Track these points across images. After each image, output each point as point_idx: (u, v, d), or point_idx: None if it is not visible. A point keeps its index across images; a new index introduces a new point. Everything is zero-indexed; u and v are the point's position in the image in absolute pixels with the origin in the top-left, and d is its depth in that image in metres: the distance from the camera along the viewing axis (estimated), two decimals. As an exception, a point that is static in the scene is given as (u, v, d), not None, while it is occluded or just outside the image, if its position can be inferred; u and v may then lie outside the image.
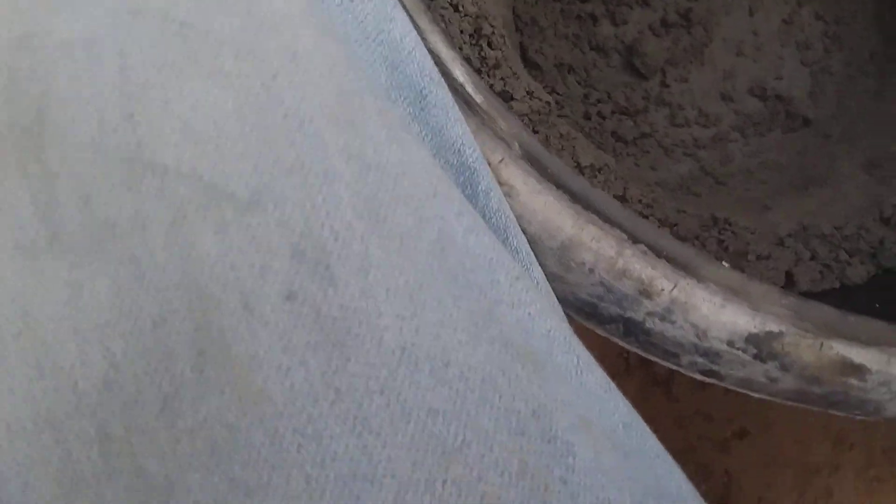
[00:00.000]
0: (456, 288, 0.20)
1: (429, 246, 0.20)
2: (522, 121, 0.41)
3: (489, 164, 0.27)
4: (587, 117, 0.58)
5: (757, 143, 0.58)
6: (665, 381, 0.64)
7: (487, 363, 0.20)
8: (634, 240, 0.25)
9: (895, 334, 0.25)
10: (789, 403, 0.27)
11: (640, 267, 0.25)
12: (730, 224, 0.42)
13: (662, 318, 0.26)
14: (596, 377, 0.22)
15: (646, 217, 0.42)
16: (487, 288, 0.21)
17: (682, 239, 0.43)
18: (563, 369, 0.21)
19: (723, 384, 0.27)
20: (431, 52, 0.27)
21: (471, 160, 0.25)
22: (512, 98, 0.41)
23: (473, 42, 0.40)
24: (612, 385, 0.23)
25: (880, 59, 0.55)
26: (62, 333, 0.17)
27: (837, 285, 0.42)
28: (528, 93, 0.42)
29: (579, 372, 0.22)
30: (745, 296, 0.25)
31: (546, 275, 0.27)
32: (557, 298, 0.28)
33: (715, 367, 0.26)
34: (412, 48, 0.24)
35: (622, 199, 0.42)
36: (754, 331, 0.25)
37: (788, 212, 0.45)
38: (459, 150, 0.25)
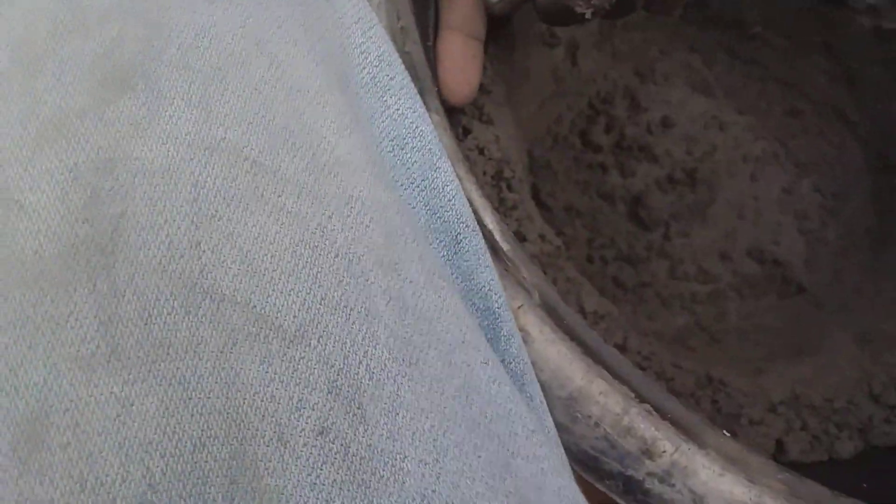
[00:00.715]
0: (477, 436, 0.21)
1: (455, 392, 0.21)
2: (532, 262, 0.43)
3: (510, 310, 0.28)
4: (590, 261, 0.60)
5: (752, 305, 0.60)
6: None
7: None
8: (641, 399, 0.26)
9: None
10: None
11: (645, 427, 0.26)
12: (724, 385, 0.43)
13: (662, 480, 0.26)
14: None
15: (643, 369, 0.43)
16: (506, 439, 0.21)
17: (678, 395, 0.44)
18: None
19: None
20: (466, 198, 0.28)
21: (496, 306, 0.26)
22: (525, 239, 0.43)
23: (494, 184, 0.42)
24: None
25: (875, 236, 0.58)
26: (108, 448, 0.17)
27: (826, 458, 0.43)
28: (540, 236, 0.43)
29: None
30: (744, 466, 0.26)
31: (553, 423, 0.28)
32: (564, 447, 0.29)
33: (710, 534, 0.27)
34: (452, 196, 0.26)
35: (622, 348, 0.44)
36: (749, 503, 0.25)
37: (781, 378, 0.47)
38: (486, 295, 0.26)
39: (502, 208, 0.42)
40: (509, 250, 0.28)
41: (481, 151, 0.42)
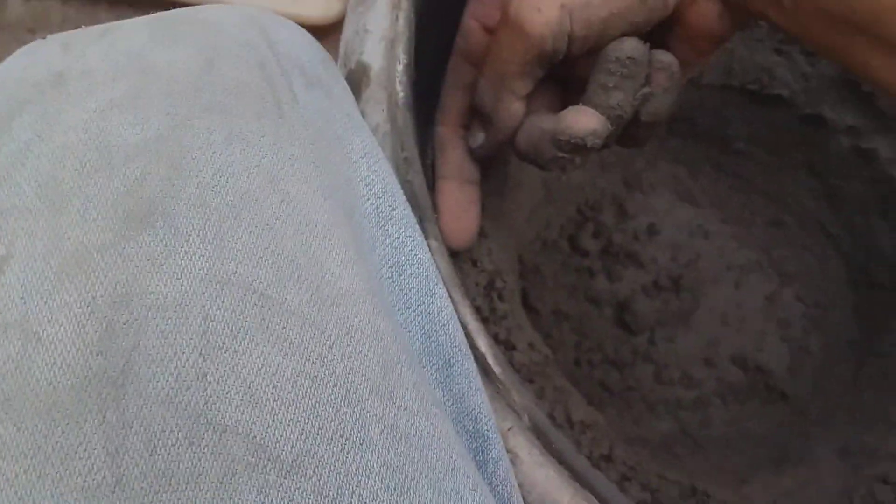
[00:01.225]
0: None
1: None
2: (521, 371, 0.44)
3: (499, 432, 0.29)
4: (577, 364, 0.60)
5: (736, 411, 0.60)
6: None
7: None
8: (626, 522, 0.27)
9: None
10: None
11: (630, 551, 0.27)
12: (708, 496, 0.43)
13: None
14: None
15: (629, 479, 0.44)
16: None
17: (663, 506, 0.44)
18: None
19: None
20: (460, 321, 0.29)
21: (486, 428, 0.27)
22: (514, 348, 0.44)
23: (486, 294, 0.43)
24: None
25: (857, 348, 0.59)
26: None
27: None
28: (529, 344, 0.44)
29: None
30: None
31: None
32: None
33: None
34: (447, 320, 0.27)
35: (608, 458, 0.44)
36: None
37: (765, 489, 0.47)
38: (476, 418, 0.27)
39: (493, 317, 0.44)
40: (501, 373, 0.29)
41: (475, 263, 0.43)
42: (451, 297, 0.30)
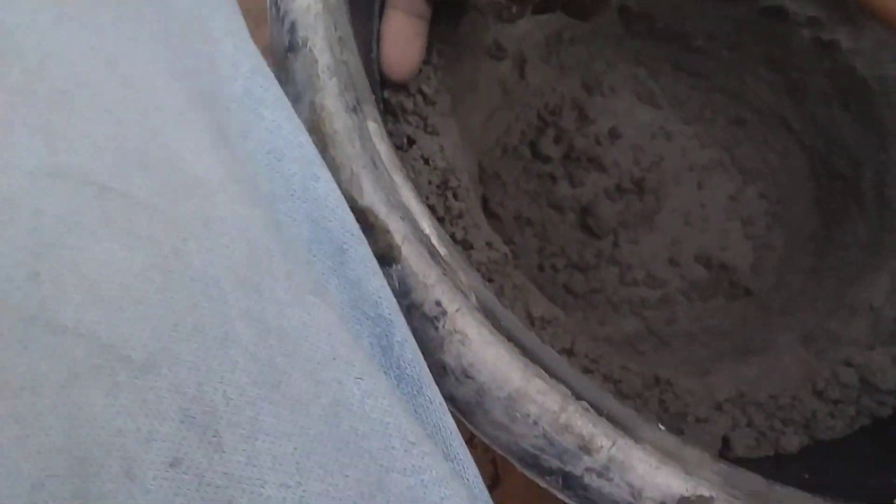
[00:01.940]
0: (346, 455, 0.20)
1: (322, 411, 0.20)
2: (480, 270, 0.43)
3: (447, 313, 0.28)
4: (541, 269, 0.60)
5: (700, 308, 0.60)
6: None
7: None
8: (578, 396, 0.27)
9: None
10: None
11: (582, 423, 0.27)
12: (671, 385, 0.44)
13: (600, 475, 0.27)
14: None
15: (591, 372, 0.44)
16: (380, 455, 0.21)
17: (625, 396, 0.44)
18: None
19: (655, 545, 0.27)
20: (402, 205, 0.28)
21: (387, 312, 0.26)
22: (472, 247, 0.43)
23: (440, 193, 0.43)
24: None
25: (818, 240, 0.59)
26: None
27: (772, 453, 0.44)
28: (487, 244, 0.44)
29: None
30: (680, 459, 0.26)
31: (492, 423, 0.28)
32: (502, 447, 0.29)
33: (648, 527, 0.27)
34: (335, 205, 0.26)
35: (570, 352, 0.44)
36: (686, 494, 0.26)
37: (728, 378, 0.47)
38: (377, 303, 0.26)
39: (448, 216, 0.43)
40: (446, 254, 0.28)
41: (426, 161, 0.42)
42: (392, 179, 0.29)
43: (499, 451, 0.29)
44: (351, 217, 0.26)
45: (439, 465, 0.22)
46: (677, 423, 0.43)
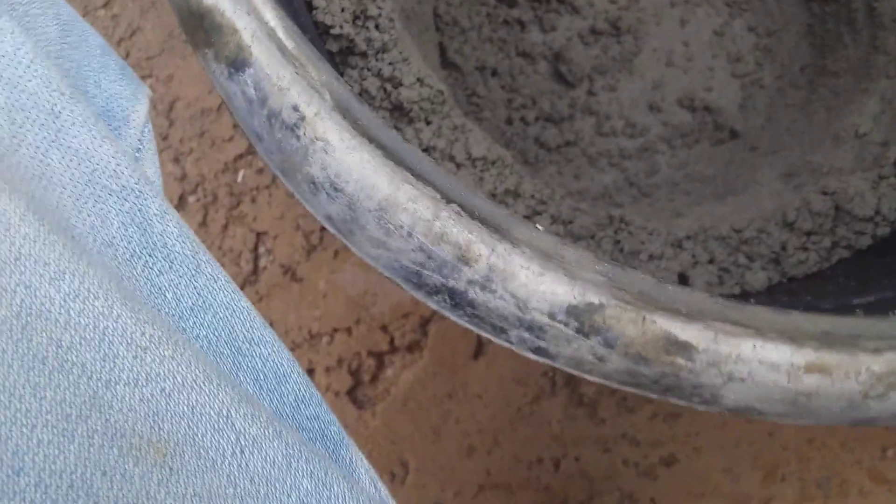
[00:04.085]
0: (41, 374, 0.17)
1: (1, 325, 0.17)
2: (412, 110, 0.40)
3: (305, 118, 0.25)
4: (509, 122, 0.57)
5: (684, 155, 0.57)
6: (591, 402, 0.63)
7: (80, 464, 0.17)
8: (448, 200, 0.24)
9: (721, 308, 0.23)
10: (627, 389, 0.25)
11: (457, 231, 0.24)
12: (626, 224, 0.40)
13: (483, 287, 0.24)
14: (264, 455, 0.20)
15: (538, 214, 0.41)
16: (95, 366, 0.18)
17: (577, 237, 0.41)
18: (212, 452, 0.19)
19: (556, 364, 0.25)
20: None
21: (132, 181, 0.22)
22: (400, 84, 0.40)
23: (358, 23, 0.39)
24: (297, 455, 0.20)
25: (810, 72, 0.54)
26: None
27: (738, 291, 0.40)
28: (418, 80, 0.41)
29: (239, 452, 0.19)
30: (560, 261, 0.23)
31: (370, 240, 0.25)
32: (387, 268, 0.26)
33: (542, 344, 0.24)
34: (29, 63, 0.22)
35: (514, 194, 0.41)
36: (574, 302, 0.23)
37: (696, 217, 0.44)
38: (116, 173, 0.22)
39: (371, 50, 0.40)
40: (294, 48, 0.25)
41: (339, -13, 0.38)
42: None
43: (386, 274, 0.26)
44: (55, 73, 0.22)
45: (189, 366, 0.19)
46: (630, 262, 0.40)
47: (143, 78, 0.67)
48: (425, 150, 0.41)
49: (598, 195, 0.56)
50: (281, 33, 0.25)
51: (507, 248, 0.24)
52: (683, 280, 0.40)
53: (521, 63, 0.59)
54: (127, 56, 0.68)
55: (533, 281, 0.24)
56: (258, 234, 0.63)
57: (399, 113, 0.41)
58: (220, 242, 0.62)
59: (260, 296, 0.61)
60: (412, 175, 0.24)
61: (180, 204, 0.63)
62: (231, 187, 0.63)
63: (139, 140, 0.26)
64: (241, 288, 0.60)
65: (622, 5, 0.59)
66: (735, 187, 0.50)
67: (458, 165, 0.42)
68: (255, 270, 0.62)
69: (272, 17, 0.25)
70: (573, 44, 0.59)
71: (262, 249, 0.62)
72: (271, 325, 0.58)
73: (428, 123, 0.42)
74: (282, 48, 0.25)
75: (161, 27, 0.68)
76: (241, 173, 0.64)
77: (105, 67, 0.27)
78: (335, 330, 0.59)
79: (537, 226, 0.24)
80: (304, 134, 0.25)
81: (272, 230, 0.62)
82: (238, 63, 0.25)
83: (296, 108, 0.25)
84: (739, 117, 0.57)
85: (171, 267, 0.22)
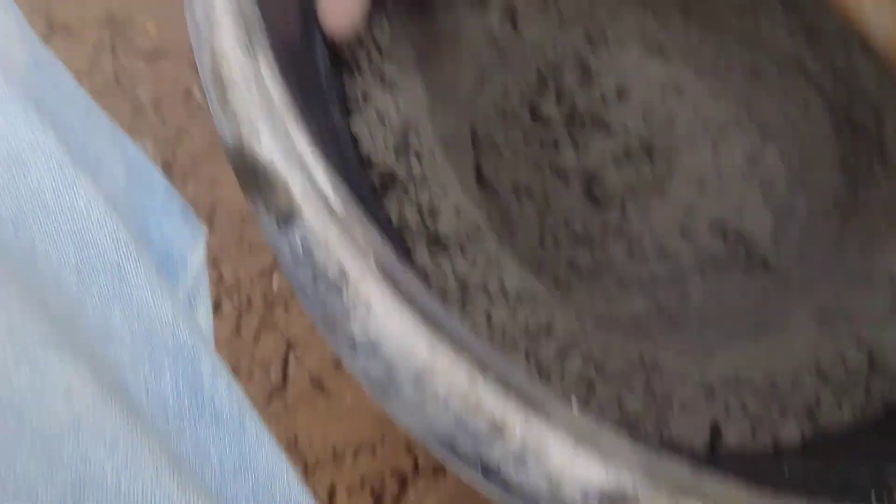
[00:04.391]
0: None
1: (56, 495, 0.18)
2: (448, 240, 0.40)
3: (349, 279, 0.25)
4: (542, 243, 0.58)
5: (716, 284, 0.58)
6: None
7: None
8: (486, 369, 0.24)
9: (757, 500, 0.23)
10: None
11: (493, 403, 0.24)
12: (658, 366, 0.40)
13: (516, 463, 0.24)
14: None
15: (569, 352, 0.41)
16: None
17: (608, 378, 0.41)
18: None
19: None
20: (299, 155, 0.26)
21: (187, 339, 0.23)
22: (438, 215, 0.41)
23: (400, 154, 0.40)
24: None
25: (843, 204, 0.55)
26: None
27: (770, 446, 0.40)
28: (455, 210, 0.41)
29: None
30: (595, 443, 0.23)
31: (406, 403, 0.26)
32: (418, 431, 0.26)
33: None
34: (98, 218, 0.22)
35: (547, 329, 0.41)
36: (607, 486, 0.23)
37: (728, 359, 0.43)
38: (173, 330, 0.23)
39: (412, 181, 0.40)
40: (342, 209, 0.25)
41: (382, 119, 0.39)
42: (286, 127, 0.26)
43: (419, 438, 0.26)
44: (124, 232, 0.23)
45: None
46: (663, 408, 0.39)
47: (187, 179, 0.69)
48: (459, 282, 0.41)
49: (630, 323, 0.56)
50: (330, 193, 0.26)
51: (541, 425, 0.24)
52: (716, 432, 0.39)
53: (554, 183, 0.59)
54: (173, 157, 0.69)
55: (567, 461, 0.24)
56: (289, 343, 0.63)
57: (436, 242, 0.42)
58: (252, 350, 0.63)
59: (287, 408, 0.61)
60: (451, 342, 0.24)
61: (215, 309, 0.63)
62: (266, 294, 0.64)
63: (194, 286, 0.26)
64: (269, 400, 0.60)
65: (656, 128, 0.60)
66: (767, 324, 0.50)
67: (492, 298, 0.42)
68: (285, 380, 0.62)
69: (323, 177, 0.26)
70: (606, 165, 0.59)
71: (291, 358, 0.62)
72: (295, 439, 0.58)
73: (463, 253, 0.43)
74: (330, 208, 0.26)
75: (208, 132, 0.70)
76: (275, 280, 0.64)
77: (168, 211, 0.27)
78: (359, 447, 0.59)
79: (573, 406, 0.24)
80: (348, 294, 0.25)
81: (303, 339, 0.62)
82: (287, 218, 0.26)
83: (341, 269, 0.25)
84: (772, 247, 0.57)
85: (217, 427, 0.23)
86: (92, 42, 0.73)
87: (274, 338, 0.63)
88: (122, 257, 0.22)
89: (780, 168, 0.58)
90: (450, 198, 0.43)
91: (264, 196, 0.27)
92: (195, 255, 0.28)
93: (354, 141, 0.41)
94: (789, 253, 0.56)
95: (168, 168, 0.69)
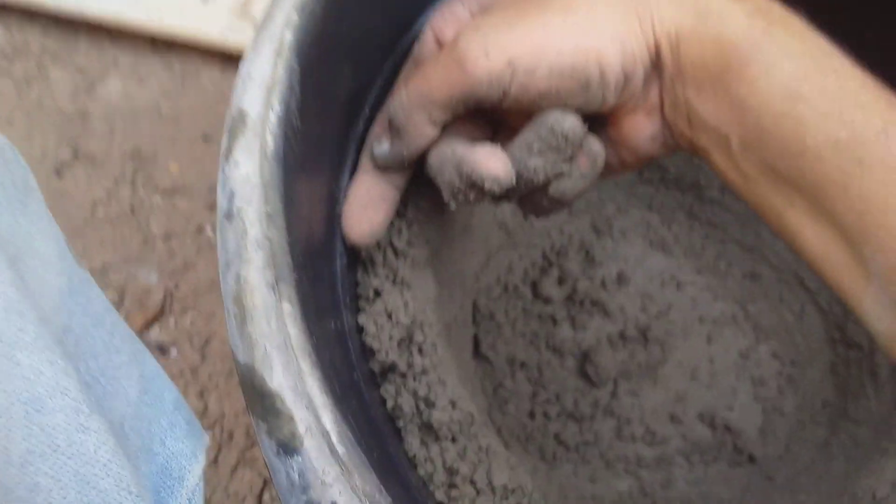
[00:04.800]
0: None
1: None
2: (441, 430, 0.42)
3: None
4: (531, 416, 0.59)
5: (701, 472, 0.58)
6: None
7: None
8: None
9: None
10: None
11: None
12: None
13: None
14: None
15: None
16: None
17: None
18: None
19: None
20: (307, 394, 0.28)
21: None
22: (433, 405, 0.42)
23: (402, 348, 0.42)
24: None
25: (831, 411, 0.56)
26: None
27: None
28: (451, 402, 0.43)
29: None
30: None
31: None
32: None
33: None
34: (108, 460, 0.24)
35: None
36: None
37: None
38: None
39: (411, 372, 0.42)
40: (345, 454, 0.27)
41: (389, 316, 0.41)
42: (300, 365, 0.28)
43: None
44: (128, 472, 0.25)
45: None
46: None
47: (186, 311, 0.71)
48: (448, 471, 0.42)
49: (613, 503, 0.57)
50: (334, 436, 0.28)
51: None
52: None
53: (549, 357, 0.61)
54: (176, 287, 0.72)
55: None
56: (265, 481, 0.64)
57: (427, 430, 0.43)
58: (227, 484, 0.64)
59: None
60: None
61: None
62: (248, 429, 0.65)
63: (189, 500, 0.28)
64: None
65: (652, 315, 0.62)
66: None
67: (479, 491, 0.43)
68: (258, 518, 0.62)
69: (329, 419, 0.28)
70: (601, 346, 0.61)
71: (266, 497, 0.63)
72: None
73: (454, 442, 0.44)
74: (332, 448, 0.27)
75: (213, 267, 0.72)
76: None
77: (174, 425, 0.29)
78: None
79: None
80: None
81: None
82: (289, 447, 0.28)
83: (334, 504, 0.27)
84: (759, 442, 0.58)
85: None
86: (114, 173, 0.77)
87: (251, 474, 0.64)
88: (124, 500, 0.24)
89: (772, 366, 0.60)
90: (447, 390, 0.45)
91: (268, 421, 0.29)
92: (193, 473, 0.29)
93: (360, 329, 0.43)
94: (776, 450, 0.58)
95: (170, 297, 0.72)
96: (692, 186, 0.61)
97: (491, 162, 0.34)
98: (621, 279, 0.62)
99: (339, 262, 0.41)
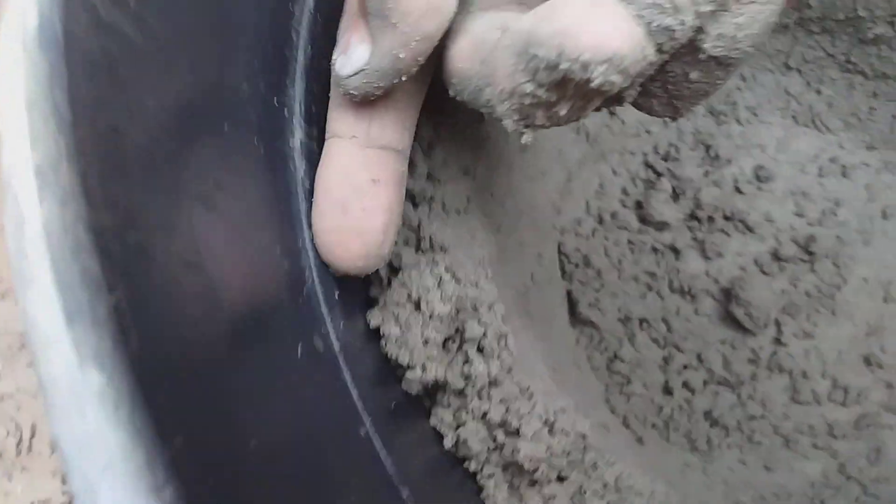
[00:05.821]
0: None
1: None
2: (536, 469, 0.28)
3: None
4: (667, 391, 0.46)
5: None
6: None
7: None
8: None
9: None
10: None
11: None
12: None
13: None
14: None
15: None
16: None
17: None
18: None
19: None
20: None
21: None
22: (518, 434, 0.29)
23: (451, 351, 0.27)
24: None
25: None
26: None
27: None
28: (545, 423, 0.28)
29: None
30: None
31: None
32: None
33: None
34: None
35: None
36: None
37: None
38: None
39: (471, 389, 0.28)
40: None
41: (417, 305, 0.26)
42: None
43: None
44: None
45: None
46: None
47: None
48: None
49: (804, 496, 0.42)
50: None
51: None
52: None
53: (678, 304, 0.46)
54: None
55: None
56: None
57: (518, 473, 0.28)
58: None
59: None
60: None
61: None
62: None
63: None
64: None
65: (814, 219, 0.46)
66: None
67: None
68: None
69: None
70: (749, 275, 0.46)
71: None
72: None
73: (562, 482, 0.29)
74: None
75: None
76: None
77: None
78: None
79: None
80: None
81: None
82: None
83: None
84: None
85: None
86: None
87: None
88: None
89: None
90: (535, 403, 0.30)
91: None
92: None
93: (372, 334, 0.28)
94: None
95: None
96: (847, 24, 0.45)
97: (599, 25, 0.17)
98: (761, 176, 0.47)
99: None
